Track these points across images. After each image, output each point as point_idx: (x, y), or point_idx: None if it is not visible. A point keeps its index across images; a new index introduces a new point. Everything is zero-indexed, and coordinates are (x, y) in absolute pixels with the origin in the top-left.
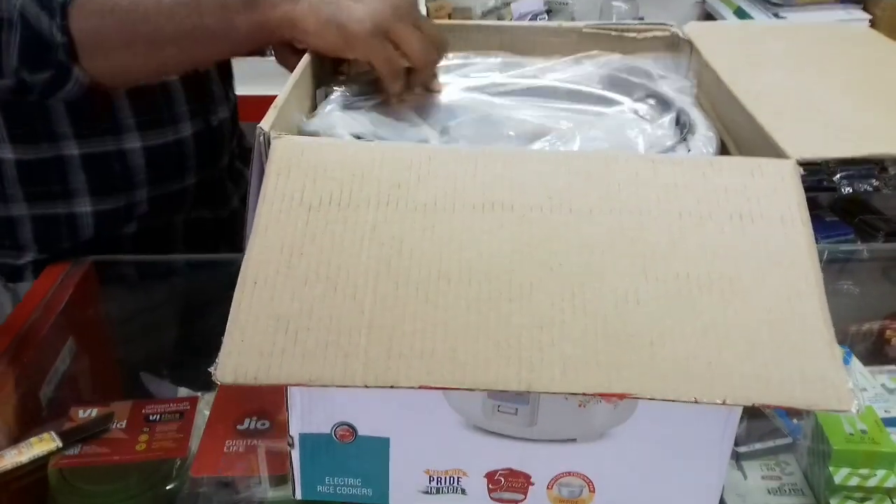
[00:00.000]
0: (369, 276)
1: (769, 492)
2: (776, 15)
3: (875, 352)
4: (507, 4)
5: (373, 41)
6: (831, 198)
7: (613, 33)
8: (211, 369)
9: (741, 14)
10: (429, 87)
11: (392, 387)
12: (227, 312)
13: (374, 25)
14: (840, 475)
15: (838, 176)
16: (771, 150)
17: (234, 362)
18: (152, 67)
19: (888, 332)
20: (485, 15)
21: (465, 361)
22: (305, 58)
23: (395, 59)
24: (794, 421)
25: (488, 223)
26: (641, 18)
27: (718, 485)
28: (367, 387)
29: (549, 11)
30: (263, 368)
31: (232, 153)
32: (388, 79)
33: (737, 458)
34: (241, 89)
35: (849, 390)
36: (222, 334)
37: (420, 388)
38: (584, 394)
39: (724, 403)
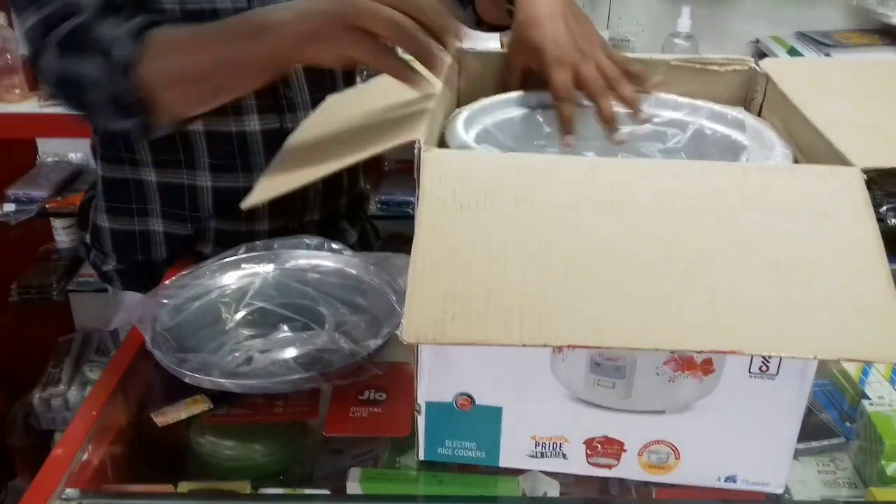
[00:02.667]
0: (516, 260)
1: (825, 484)
2: (827, 55)
3: None
4: None
5: (347, 41)
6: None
7: (698, 66)
8: (397, 332)
9: (793, 53)
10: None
11: (545, 345)
12: None
13: (342, 27)
14: (892, 468)
15: (885, 208)
16: (838, 160)
17: (416, 326)
18: (206, 105)
19: None
20: None
21: (603, 326)
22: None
23: (373, 47)
24: (847, 424)
25: (608, 218)
26: None
27: (790, 451)
28: (524, 345)
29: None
30: (439, 331)
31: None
32: (378, 62)
33: (794, 454)
34: None
35: None
36: None
37: (568, 346)
38: (700, 351)
39: (815, 358)
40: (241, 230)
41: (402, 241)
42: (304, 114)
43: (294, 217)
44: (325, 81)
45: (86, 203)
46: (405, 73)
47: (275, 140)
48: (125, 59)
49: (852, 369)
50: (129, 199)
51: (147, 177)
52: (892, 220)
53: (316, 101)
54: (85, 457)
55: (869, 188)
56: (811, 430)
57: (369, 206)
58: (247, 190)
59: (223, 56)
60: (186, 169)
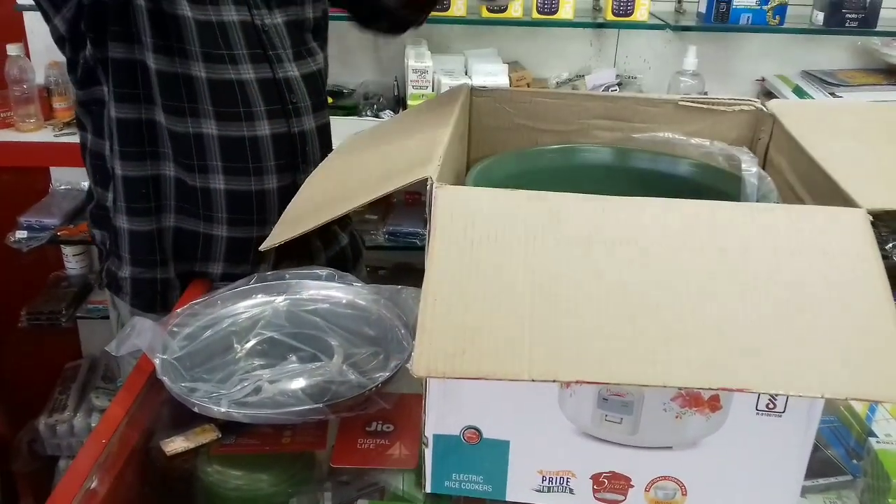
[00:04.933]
0: (525, 296)
1: None
2: (832, 94)
3: None
4: (581, 77)
5: None
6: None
7: (705, 106)
8: (407, 365)
9: (799, 92)
10: None
11: (554, 381)
12: None
13: None
14: None
15: (890, 245)
16: (843, 200)
17: (426, 360)
18: None
19: None
20: (559, 86)
21: (611, 362)
22: (457, 105)
23: None
24: (854, 461)
25: (618, 256)
26: (706, 93)
27: (797, 488)
28: (533, 381)
29: (619, 84)
30: (449, 365)
31: None
32: None
33: (801, 490)
34: None
35: None
36: None
37: (577, 382)
38: (708, 388)
39: (822, 397)
40: (253, 236)
41: (409, 272)
42: (307, 118)
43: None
44: (321, 89)
45: (95, 212)
46: None
47: (283, 143)
48: None
49: (859, 406)
50: (147, 197)
51: (166, 171)
52: None
53: (315, 106)
54: (93, 485)
55: (874, 226)
56: (818, 466)
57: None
58: (258, 193)
59: None
60: (199, 173)
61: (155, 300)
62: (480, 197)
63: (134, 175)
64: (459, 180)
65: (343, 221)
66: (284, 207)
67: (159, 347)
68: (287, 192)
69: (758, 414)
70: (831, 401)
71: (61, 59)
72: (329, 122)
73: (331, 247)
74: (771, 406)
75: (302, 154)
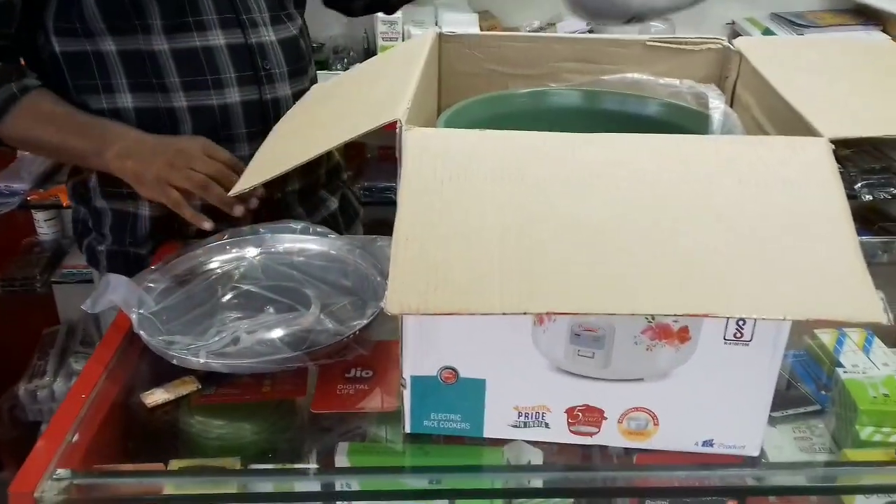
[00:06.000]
0: (495, 232)
1: (800, 449)
2: (800, 35)
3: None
4: (553, 25)
5: (157, 191)
6: (853, 206)
7: (673, 46)
8: (381, 303)
9: (768, 34)
10: (229, 205)
11: (525, 313)
12: None
13: (155, 179)
14: (865, 432)
15: (859, 185)
16: (807, 131)
17: (399, 298)
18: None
19: None
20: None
21: (579, 294)
22: (425, 50)
23: (176, 198)
24: (822, 392)
25: (586, 191)
26: None
27: (765, 415)
28: (504, 314)
29: (590, 31)
30: (422, 302)
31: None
32: (177, 209)
33: (771, 421)
34: None
35: (881, 310)
36: None
37: (547, 314)
38: (674, 315)
39: (784, 319)
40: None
41: (385, 227)
42: (281, 84)
43: (277, 188)
44: (300, 54)
45: (78, 187)
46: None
47: (254, 111)
48: None
49: (828, 339)
50: (122, 182)
51: None
52: (867, 197)
53: (292, 72)
54: (75, 438)
55: (844, 165)
56: (788, 399)
57: (345, 175)
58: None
59: (66, 148)
60: None
61: (132, 271)
62: (449, 137)
63: None
64: (430, 126)
65: (333, 184)
66: None
67: (135, 302)
68: None
69: (726, 343)
70: (802, 336)
71: None
72: (308, 88)
73: (317, 212)
74: (738, 335)
75: (275, 121)
